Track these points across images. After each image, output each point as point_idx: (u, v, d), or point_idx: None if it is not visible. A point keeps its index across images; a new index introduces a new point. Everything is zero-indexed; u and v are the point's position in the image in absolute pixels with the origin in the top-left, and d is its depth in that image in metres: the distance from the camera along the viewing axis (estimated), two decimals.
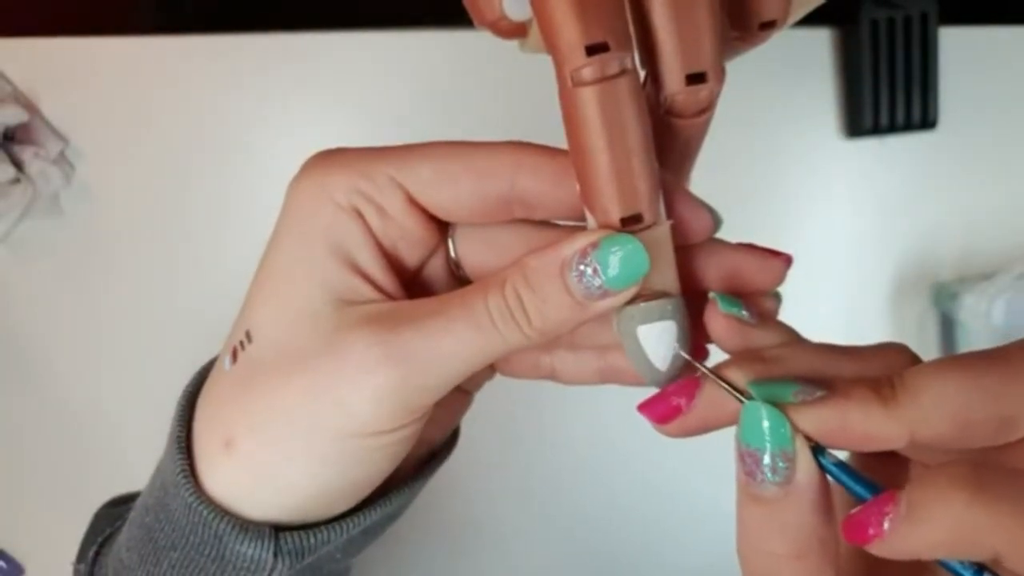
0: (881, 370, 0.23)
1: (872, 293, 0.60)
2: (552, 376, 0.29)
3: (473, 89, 0.54)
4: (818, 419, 0.21)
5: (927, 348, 0.61)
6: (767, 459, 0.21)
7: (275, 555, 0.25)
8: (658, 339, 0.24)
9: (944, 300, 0.59)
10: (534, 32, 0.24)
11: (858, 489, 0.21)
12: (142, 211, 0.52)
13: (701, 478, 0.59)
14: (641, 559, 0.59)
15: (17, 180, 0.48)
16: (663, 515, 0.59)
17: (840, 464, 0.21)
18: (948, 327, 0.59)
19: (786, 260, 0.26)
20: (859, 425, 0.21)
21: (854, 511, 0.20)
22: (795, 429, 0.21)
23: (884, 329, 0.60)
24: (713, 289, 0.26)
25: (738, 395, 0.22)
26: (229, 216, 0.52)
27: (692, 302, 0.25)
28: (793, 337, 0.25)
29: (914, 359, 0.24)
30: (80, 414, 0.51)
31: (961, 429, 0.20)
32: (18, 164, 0.48)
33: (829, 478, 0.22)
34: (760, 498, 0.21)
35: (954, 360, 0.21)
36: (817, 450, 0.21)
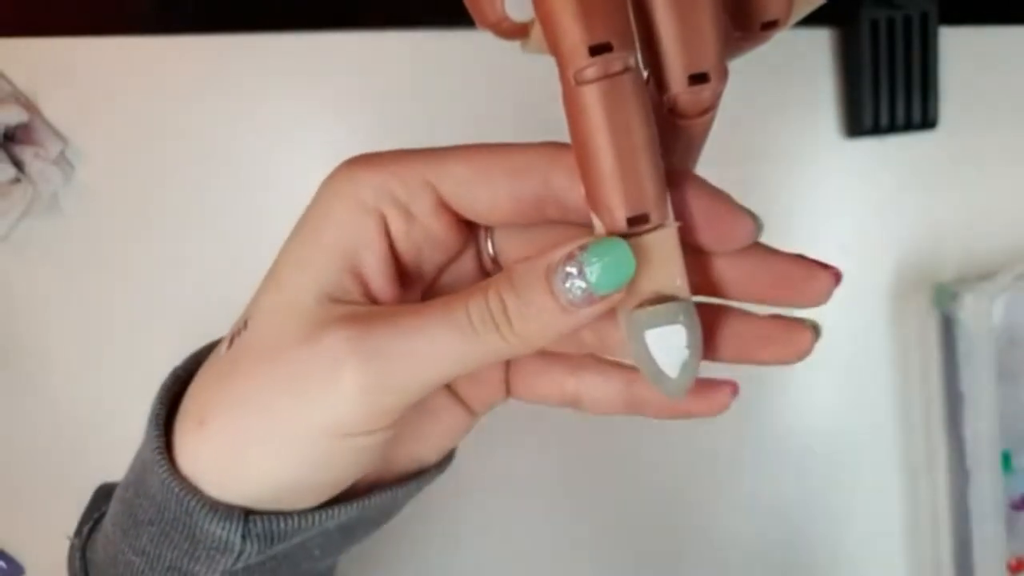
0: None
1: (872, 293, 0.60)
2: (575, 402, 0.28)
3: (474, 90, 0.54)
4: None
5: (927, 348, 0.61)
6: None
7: (243, 537, 0.25)
8: (667, 344, 0.23)
9: (944, 300, 0.59)
10: (536, 33, 0.24)
11: None
12: (142, 211, 0.51)
13: (700, 477, 0.59)
14: (633, 562, 0.59)
15: (17, 180, 0.48)
16: (657, 515, 0.59)
17: None
18: (948, 327, 0.59)
19: (834, 275, 0.25)
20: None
21: None
22: None
23: (884, 330, 0.60)
24: (742, 295, 0.25)
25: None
26: (228, 216, 0.52)
27: (707, 312, 0.25)
28: None
29: None
30: (80, 414, 0.51)
31: None
32: (18, 164, 0.48)
33: None
34: None
35: None
36: None
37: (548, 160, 0.24)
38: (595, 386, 0.28)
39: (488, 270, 0.27)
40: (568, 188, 0.24)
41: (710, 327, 0.26)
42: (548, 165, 0.24)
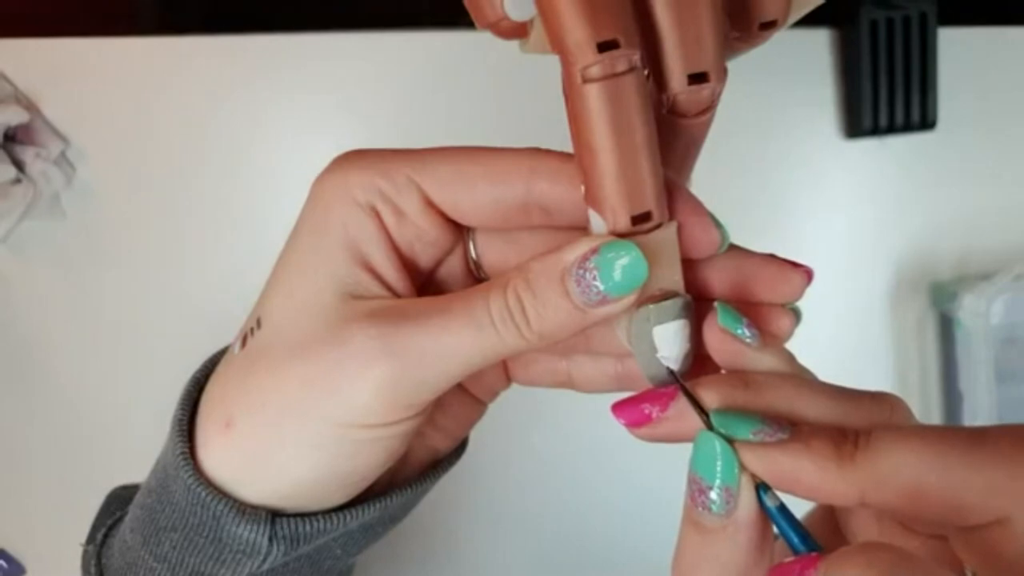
0: (863, 421, 0.22)
1: (871, 293, 0.60)
2: (568, 383, 0.29)
3: (473, 90, 0.54)
4: (770, 463, 0.21)
5: (926, 348, 0.61)
6: (711, 492, 0.21)
7: (270, 539, 0.26)
8: (673, 338, 0.24)
9: (943, 300, 0.59)
10: (535, 32, 0.24)
11: (793, 539, 0.21)
12: (143, 212, 0.52)
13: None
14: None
15: (18, 180, 0.48)
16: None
17: (782, 508, 0.21)
18: (947, 327, 0.60)
19: (805, 273, 0.26)
20: (810, 478, 0.21)
21: (781, 563, 0.20)
22: (742, 468, 0.21)
23: (883, 329, 0.60)
24: (721, 295, 0.26)
25: (704, 419, 0.22)
26: (229, 216, 0.52)
27: (699, 309, 0.25)
28: (789, 365, 0.24)
29: (905, 415, 0.24)
30: (81, 414, 0.52)
31: (911, 503, 0.20)
32: (19, 165, 0.48)
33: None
34: (699, 525, 0.22)
35: (927, 431, 0.21)
36: (763, 488, 0.21)
37: (529, 166, 0.24)
38: (586, 367, 0.29)
39: (472, 271, 0.28)
40: (551, 193, 0.24)
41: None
42: (529, 171, 0.24)
